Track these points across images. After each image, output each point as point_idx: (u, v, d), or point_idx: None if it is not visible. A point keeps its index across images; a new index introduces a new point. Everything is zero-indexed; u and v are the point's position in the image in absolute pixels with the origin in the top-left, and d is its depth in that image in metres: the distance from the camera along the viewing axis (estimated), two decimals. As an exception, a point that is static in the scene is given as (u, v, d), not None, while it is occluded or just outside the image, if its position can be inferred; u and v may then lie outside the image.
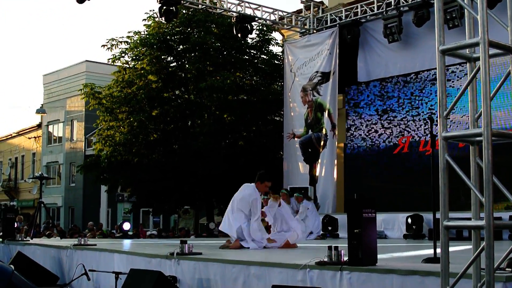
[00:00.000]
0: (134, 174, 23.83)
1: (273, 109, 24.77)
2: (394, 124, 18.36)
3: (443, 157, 4.88)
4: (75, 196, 43.18)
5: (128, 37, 24.77)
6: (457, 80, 16.63)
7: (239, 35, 19.41)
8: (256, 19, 20.03)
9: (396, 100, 18.44)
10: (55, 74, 45.55)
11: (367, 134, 19.09)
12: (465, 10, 5.13)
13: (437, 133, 5.14)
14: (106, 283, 9.09)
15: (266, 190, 9.65)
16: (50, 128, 46.99)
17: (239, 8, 19.50)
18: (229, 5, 19.44)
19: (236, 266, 7.12)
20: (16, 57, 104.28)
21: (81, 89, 25.92)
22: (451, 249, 5.03)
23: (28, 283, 8.29)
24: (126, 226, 20.90)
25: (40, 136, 47.87)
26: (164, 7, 17.25)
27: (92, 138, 37.13)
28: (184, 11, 23.56)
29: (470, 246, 5.07)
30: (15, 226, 14.47)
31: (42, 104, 44.64)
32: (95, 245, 10.79)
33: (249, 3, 19.68)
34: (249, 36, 20.55)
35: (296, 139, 20.63)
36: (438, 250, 5.10)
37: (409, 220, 15.51)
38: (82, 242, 10.80)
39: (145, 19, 24.62)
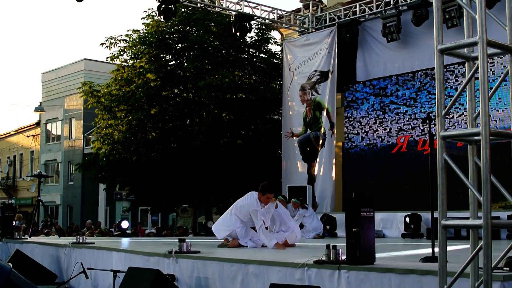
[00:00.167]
0: (133, 173, 23.81)
1: (271, 108, 24.77)
2: (393, 123, 18.37)
3: (441, 156, 4.90)
4: (74, 194, 43.16)
5: (127, 35, 24.77)
6: (456, 79, 16.63)
7: (238, 33, 19.38)
8: (255, 18, 20.03)
9: (395, 99, 18.44)
10: (54, 72, 45.50)
11: (365, 133, 19.09)
12: (464, 9, 5.14)
13: (435, 132, 5.14)
14: (105, 281, 9.10)
15: (267, 202, 9.72)
16: (49, 126, 46.94)
17: (238, 7, 19.50)
18: (228, 3, 19.43)
19: (235, 264, 7.13)
20: (15, 55, 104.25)
21: (79, 87, 25.87)
22: (449, 248, 5.04)
23: (26, 281, 8.28)
24: (125, 224, 20.94)
25: (38, 134, 47.81)
26: (163, 6, 17.25)
27: (90, 136, 37.09)
28: (182, 10, 23.56)
29: (468, 246, 5.08)
30: (14, 224, 14.45)
31: (40, 102, 44.55)
32: (94, 243, 10.79)
33: (248, 1, 19.68)
34: (248, 35, 20.52)
35: (294, 138, 20.64)
36: (436, 249, 5.11)
37: (407, 219, 15.52)
38: (81, 241, 10.80)
39: (144, 18, 24.65)
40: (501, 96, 15.21)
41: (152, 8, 24.23)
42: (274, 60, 25.39)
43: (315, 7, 21.22)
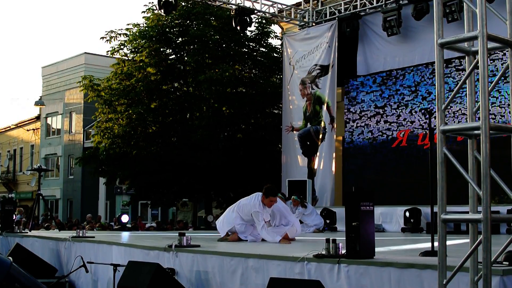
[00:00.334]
0: (133, 167, 23.82)
1: (271, 102, 24.76)
2: (393, 117, 18.36)
3: (441, 151, 4.89)
4: (74, 188, 43.19)
5: (127, 29, 24.76)
6: (457, 73, 16.62)
7: (238, 27, 19.37)
8: (255, 11, 20.00)
9: (395, 93, 18.43)
10: (54, 66, 45.46)
11: (365, 127, 19.09)
12: (464, 3, 5.13)
13: (435, 126, 5.14)
14: (105, 275, 9.11)
15: (270, 205, 9.75)
16: (49, 120, 46.93)
17: (238, 1, 19.46)
18: (228, -3, 19.42)
19: (234, 258, 7.13)
20: (15, 49, 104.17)
21: (80, 81, 25.88)
22: (448, 242, 5.04)
23: (26, 275, 8.30)
24: (125, 218, 20.91)
25: (38, 128, 47.81)
26: (163, 0, 17.23)
27: (90, 130, 37.07)
28: (183, 4, 23.53)
29: (468, 240, 5.08)
30: (14, 218, 14.45)
31: (40, 96, 44.56)
32: (94, 237, 10.78)
33: (248, -5, 19.66)
34: (248, 28, 20.52)
35: (294, 132, 20.63)
36: (436, 244, 5.11)
37: (407, 214, 15.52)
38: (81, 234, 10.79)
39: (144, 11, 24.62)
40: (501, 91, 15.22)
41: (152, 2, 24.22)
42: (274, 54, 25.38)
43: (316, 1, 21.17)
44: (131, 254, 8.70)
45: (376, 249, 6.18)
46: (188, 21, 24.43)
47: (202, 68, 23.35)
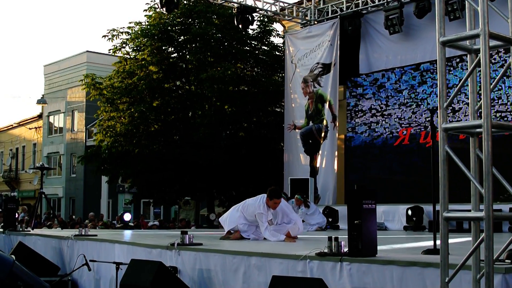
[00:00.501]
0: (135, 165, 23.84)
1: (274, 100, 24.75)
2: (395, 116, 18.35)
3: (443, 149, 4.89)
4: (76, 186, 43.22)
5: (129, 27, 24.76)
6: (460, 71, 16.61)
7: (240, 26, 19.39)
8: (257, 10, 20.00)
9: (397, 91, 18.41)
10: (56, 65, 45.47)
11: (368, 125, 19.08)
12: (466, 1, 5.14)
13: (437, 124, 5.14)
14: (107, 273, 9.11)
15: (275, 207, 9.78)
16: (51, 119, 46.95)
17: (240, -1, 19.47)
18: (230, -4, 19.41)
19: (237, 256, 7.14)
20: (17, 47, 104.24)
21: (82, 80, 25.88)
22: (451, 240, 5.04)
23: (29, 273, 8.33)
24: (127, 217, 20.90)
25: (41, 127, 47.84)
26: (165, -2, 17.24)
27: (93, 128, 37.11)
28: (185, 2, 23.55)
29: (470, 238, 5.08)
30: (17, 216, 14.46)
31: (43, 95, 44.52)
32: (96, 235, 10.79)
33: (250, -7, 19.65)
34: (250, 27, 20.53)
35: (296, 130, 20.64)
36: (438, 242, 5.11)
37: (410, 212, 15.52)
38: (83, 233, 10.80)
39: (146, 10, 24.60)
40: (503, 88, 15.20)
41: (154, 0, 24.20)
42: (276, 53, 25.38)
43: (318, -1, 21.19)
44: (133, 252, 8.72)
45: (378, 247, 6.19)
46: (190, 20, 24.42)
47: (204, 67, 23.35)
